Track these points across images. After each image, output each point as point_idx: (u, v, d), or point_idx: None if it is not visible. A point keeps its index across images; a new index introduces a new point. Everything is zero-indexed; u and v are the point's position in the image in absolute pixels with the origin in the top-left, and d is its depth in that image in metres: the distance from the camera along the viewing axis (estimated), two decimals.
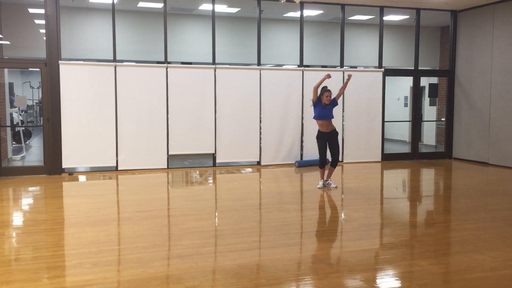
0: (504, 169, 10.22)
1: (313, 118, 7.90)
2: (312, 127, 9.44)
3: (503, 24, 10.43)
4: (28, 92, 20.95)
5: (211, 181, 9.19)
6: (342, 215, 6.49)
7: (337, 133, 7.90)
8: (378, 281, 3.96)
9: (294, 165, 10.54)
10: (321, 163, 7.88)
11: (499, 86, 10.55)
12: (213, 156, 10.29)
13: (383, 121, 11.39)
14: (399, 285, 3.89)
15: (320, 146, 7.87)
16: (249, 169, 10.29)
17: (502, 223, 5.75)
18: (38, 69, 9.56)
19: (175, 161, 10.58)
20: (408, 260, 4.47)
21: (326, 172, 7.98)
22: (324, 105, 7.67)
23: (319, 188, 7.88)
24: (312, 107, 7.84)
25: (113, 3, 9.58)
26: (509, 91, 10.31)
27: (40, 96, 11.92)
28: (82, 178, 9.20)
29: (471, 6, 11.14)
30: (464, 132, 11.57)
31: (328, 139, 7.80)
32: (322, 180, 8.00)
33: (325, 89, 7.68)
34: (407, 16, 12.04)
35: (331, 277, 4.00)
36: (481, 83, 11.03)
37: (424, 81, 13.78)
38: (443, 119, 12.73)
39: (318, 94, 7.70)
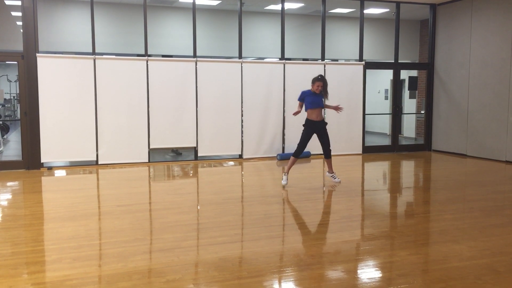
0: (481, 160, 10.40)
1: (306, 109, 7.29)
2: (294, 120, 9.46)
3: (481, 17, 10.57)
4: (5, 85, 20.54)
5: (192, 174, 9.15)
6: (324, 207, 6.54)
7: (326, 123, 7.44)
8: (359, 271, 4.01)
9: (276, 158, 10.57)
10: (299, 152, 7.28)
11: (477, 79, 10.71)
12: (195, 149, 10.26)
13: (364, 114, 11.48)
14: (380, 275, 3.94)
15: (305, 134, 7.28)
16: (231, 163, 10.28)
17: (479, 214, 5.86)
18: (15, 62, 9.37)
19: (156, 155, 10.51)
20: (388, 251, 4.53)
21: (294, 165, 7.48)
22: (314, 93, 7.25)
23: (284, 184, 7.37)
24: (300, 101, 7.34)
25: None
26: (486, 84, 10.48)
27: (18, 89, 11.72)
28: (61, 172, 9.08)
29: (450, 0, 11.26)
30: (443, 124, 11.73)
31: (317, 130, 7.32)
32: (287, 174, 7.43)
33: (317, 78, 7.24)
34: (387, 10, 12.12)
35: (312, 268, 4.03)
36: (460, 76, 11.18)
37: (404, 74, 13.92)
38: (422, 112, 12.89)
39: (304, 97, 7.33)
